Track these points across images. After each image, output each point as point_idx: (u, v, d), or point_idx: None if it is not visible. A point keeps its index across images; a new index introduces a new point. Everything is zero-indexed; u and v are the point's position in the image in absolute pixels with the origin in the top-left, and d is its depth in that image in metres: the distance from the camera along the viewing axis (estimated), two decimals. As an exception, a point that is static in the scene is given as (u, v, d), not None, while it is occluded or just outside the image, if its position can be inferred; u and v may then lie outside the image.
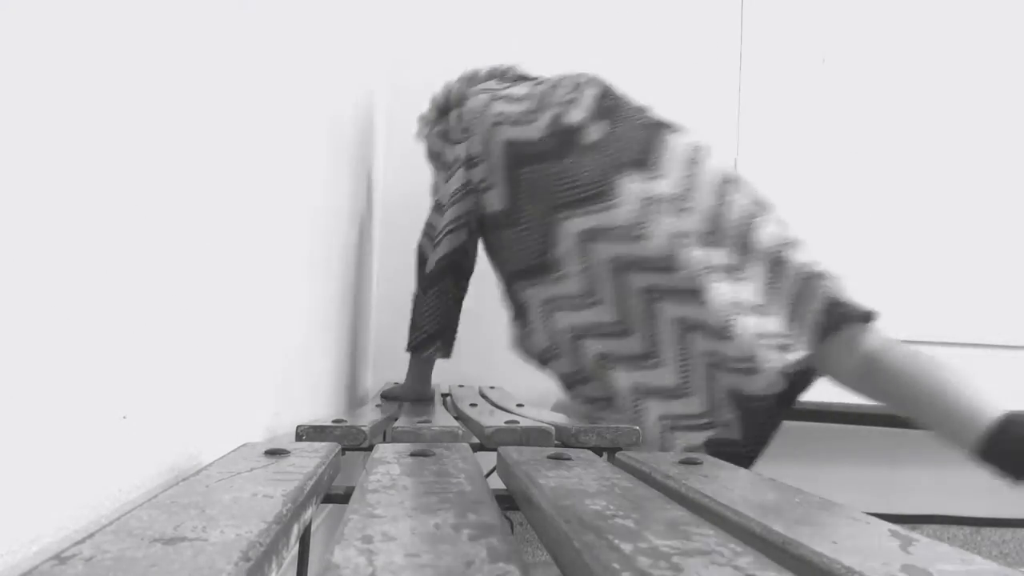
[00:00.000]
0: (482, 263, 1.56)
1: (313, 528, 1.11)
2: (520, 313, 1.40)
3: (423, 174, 2.02)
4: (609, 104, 1.35)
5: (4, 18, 0.40)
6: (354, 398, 1.90)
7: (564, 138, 1.28)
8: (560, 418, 1.17)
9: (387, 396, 1.58)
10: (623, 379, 1.21)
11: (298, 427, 0.98)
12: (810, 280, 1.18)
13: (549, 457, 0.74)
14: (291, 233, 1.08)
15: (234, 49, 0.80)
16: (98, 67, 0.51)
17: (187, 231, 0.68)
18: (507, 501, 0.72)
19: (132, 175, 0.57)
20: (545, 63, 2.61)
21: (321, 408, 1.36)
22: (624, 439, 1.10)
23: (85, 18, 0.49)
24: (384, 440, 1.05)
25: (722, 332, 1.16)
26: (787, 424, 2.57)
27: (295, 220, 1.11)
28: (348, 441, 0.98)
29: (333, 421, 1.03)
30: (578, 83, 1.39)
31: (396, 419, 1.24)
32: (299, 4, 1.10)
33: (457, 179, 1.50)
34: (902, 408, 1.19)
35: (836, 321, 1.14)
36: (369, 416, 1.21)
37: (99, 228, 0.52)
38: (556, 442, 1.05)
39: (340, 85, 1.47)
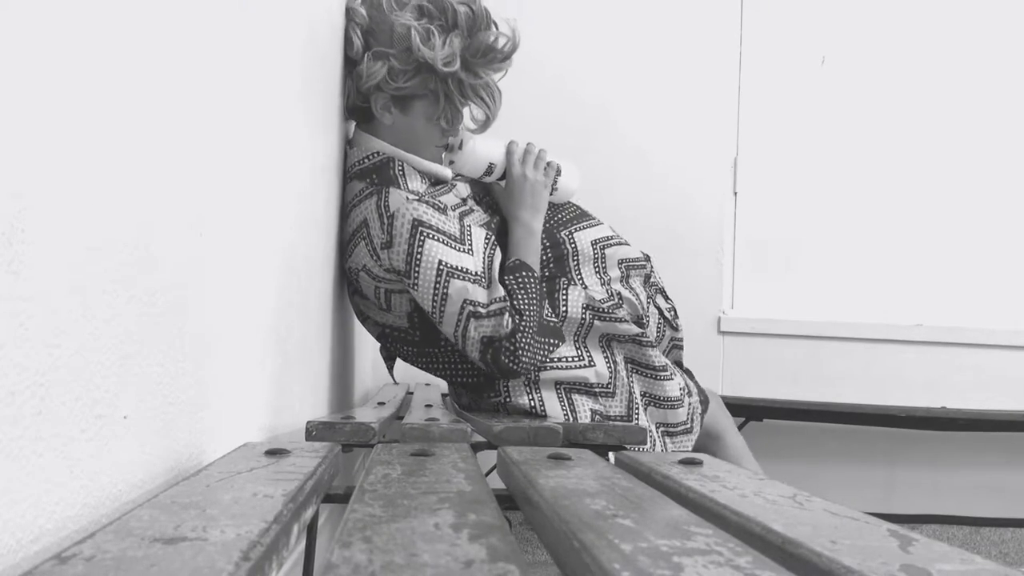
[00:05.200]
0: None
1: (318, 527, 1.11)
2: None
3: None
4: None
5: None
6: (355, 398, 1.90)
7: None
8: None
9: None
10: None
11: (308, 423, 0.98)
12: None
13: (549, 457, 0.75)
14: (291, 231, 1.08)
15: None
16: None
17: (187, 229, 0.68)
18: (507, 501, 0.72)
19: (133, 165, 0.57)
20: (546, 63, 2.62)
21: (321, 408, 1.36)
22: (631, 437, 1.10)
23: None
24: (393, 437, 1.05)
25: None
26: (787, 424, 2.58)
27: (296, 218, 1.11)
28: (358, 437, 0.98)
29: (342, 418, 1.03)
30: None
31: (402, 417, 1.25)
32: None
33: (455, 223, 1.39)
34: None
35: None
36: (376, 413, 1.21)
37: (96, 217, 0.52)
38: (563, 441, 1.06)
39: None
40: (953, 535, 2.63)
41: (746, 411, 2.49)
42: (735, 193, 2.75)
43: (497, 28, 1.45)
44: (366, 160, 1.45)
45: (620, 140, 2.66)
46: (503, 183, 1.56)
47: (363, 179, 1.44)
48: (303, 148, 1.15)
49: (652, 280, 1.60)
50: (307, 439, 0.98)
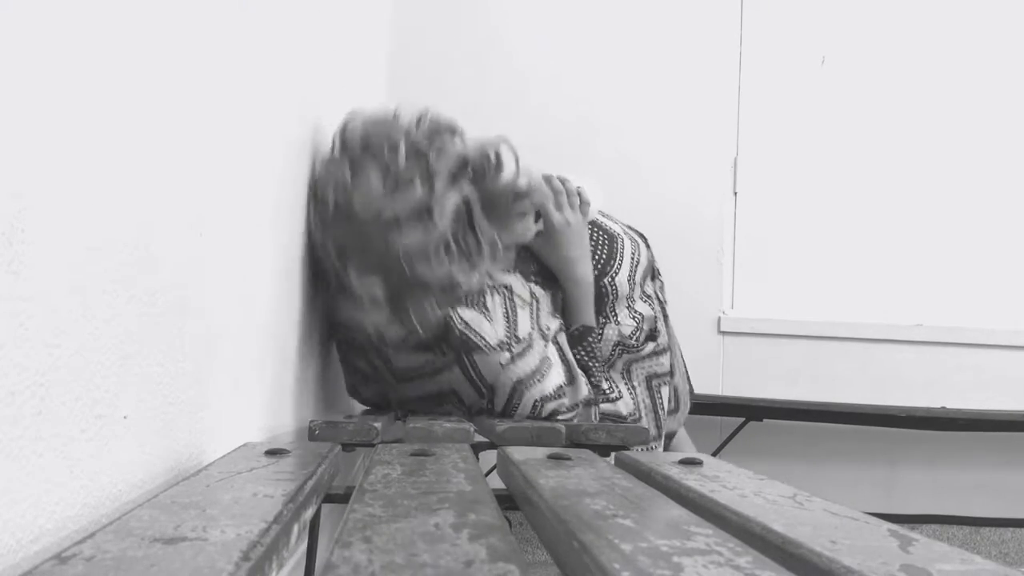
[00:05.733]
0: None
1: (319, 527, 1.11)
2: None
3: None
4: None
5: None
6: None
7: None
8: None
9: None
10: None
11: (311, 422, 0.99)
12: None
13: (549, 457, 0.74)
14: (289, 231, 1.08)
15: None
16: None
17: (187, 229, 0.68)
18: (507, 501, 0.72)
19: (133, 166, 0.57)
20: (545, 63, 2.62)
21: (321, 408, 1.36)
22: (633, 438, 1.11)
23: None
24: (395, 437, 1.06)
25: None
26: (787, 424, 2.58)
27: (296, 221, 1.11)
28: (360, 437, 0.99)
29: (345, 417, 1.03)
30: None
31: (403, 417, 1.25)
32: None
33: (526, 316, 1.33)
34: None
35: None
36: (378, 414, 1.21)
37: (96, 217, 0.52)
38: (566, 441, 1.06)
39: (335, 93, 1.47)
40: (953, 535, 2.63)
41: (746, 411, 2.49)
42: (735, 193, 2.75)
43: (499, 159, 1.23)
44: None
45: (619, 140, 2.66)
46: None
47: (429, 351, 1.26)
48: (301, 149, 1.15)
49: (655, 270, 1.60)
50: (310, 438, 0.98)
